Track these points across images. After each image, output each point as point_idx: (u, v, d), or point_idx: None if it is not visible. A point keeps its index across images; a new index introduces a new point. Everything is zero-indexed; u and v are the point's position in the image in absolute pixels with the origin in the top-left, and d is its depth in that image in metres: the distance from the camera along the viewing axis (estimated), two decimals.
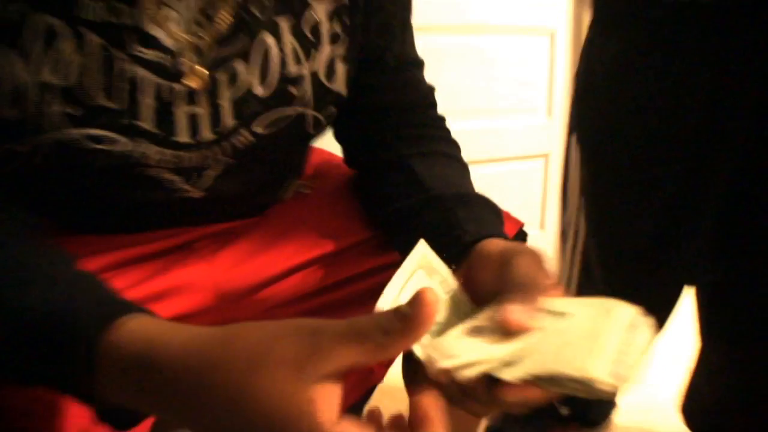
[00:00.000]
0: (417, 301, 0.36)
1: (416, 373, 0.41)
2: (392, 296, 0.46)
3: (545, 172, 2.08)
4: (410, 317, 0.36)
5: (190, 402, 0.38)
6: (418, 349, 0.42)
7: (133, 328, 0.41)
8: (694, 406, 1.08)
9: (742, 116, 0.82)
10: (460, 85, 1.79)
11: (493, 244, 0.52)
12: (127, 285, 0.61)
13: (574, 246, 1.03)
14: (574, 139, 0.99)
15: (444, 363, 0.40)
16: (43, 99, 0.49)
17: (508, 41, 1.89)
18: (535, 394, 0.41)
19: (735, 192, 0.86)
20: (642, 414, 1.31)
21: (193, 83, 0.53)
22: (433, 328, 0.43)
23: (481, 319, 0.46)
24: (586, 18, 1.95)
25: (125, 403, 0.41)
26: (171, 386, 0.38)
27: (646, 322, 0.44)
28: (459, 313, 0.49)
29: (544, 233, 2.12)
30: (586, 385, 0.39)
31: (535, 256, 0.48)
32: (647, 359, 0.41)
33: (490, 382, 0.42)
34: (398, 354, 0.38)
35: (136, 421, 0.43)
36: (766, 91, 0.79)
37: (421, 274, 0.49)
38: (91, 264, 0.60)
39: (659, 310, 0.97)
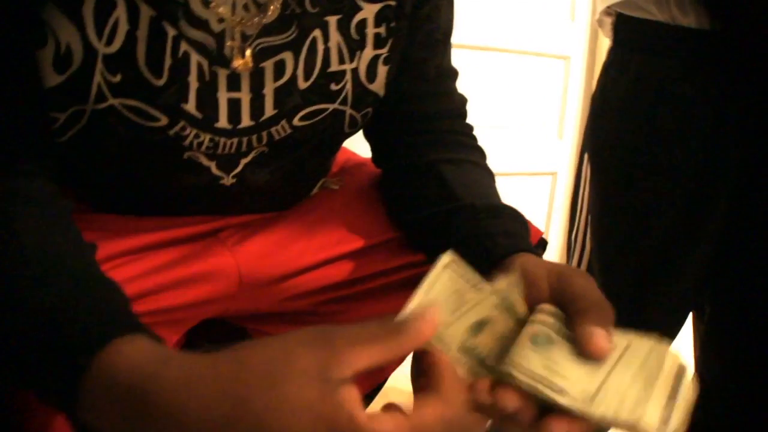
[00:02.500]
0: (426, 311, 0.40)
1: (424, 376, 0.41)
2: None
3: (552, 190, 2.10)
4: (419, 324, 0.39)
5: None
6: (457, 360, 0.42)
7: (125, 355, 0.38)
8: (689, 423, 1.08)
9: (747, 147, 0.84)
10: (477, 100, 1.81)
11: (531, 260, 0.53)
12: (150, 269, 0.61)
13: (579, 262, 1.04)
14: (586, 157, 1.01)
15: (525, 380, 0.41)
16: (87, 64, 0.49)
17: (525, 63, 1.92)
18: (580, 428, 0.41)
19: (736, 217, 0.87)
20: None
21: (240, 66, 0.53)
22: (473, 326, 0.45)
23: (539, 330, 0.46)
24: (601, 46, 1.99)
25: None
26: (167, 420, 0.36)
27: (688, 372, 0.44)
28: (508, 316, 0.48)
29: (547, 250, 2.13)
30: (635, 429, 0.40)
31: (591, 280, 0.48)
32: (689, 411, 0.42)
33: (540, 408, 0.42)
34: (408, 354, 0.40)
35: None
36: None
37: (447, 284, 0.48)
38: (116, 246, 0.59)
39: (660, 334, 0.98)
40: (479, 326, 0.46)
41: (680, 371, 0.43)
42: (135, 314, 0.44)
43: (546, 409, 0.42)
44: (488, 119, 1.88)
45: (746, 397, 0.92)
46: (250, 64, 0.54)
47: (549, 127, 2.04)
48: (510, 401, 0.42)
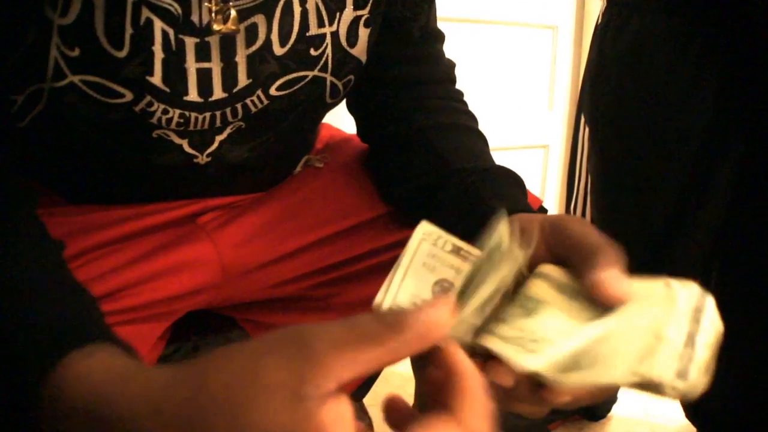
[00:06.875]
0: (438, 299, 0.32)
1: (440, 387, 0.35)
2: (395, 287, 0.40)
3: (545, 163, 2.09)
4: (429, 316, 0.31)
5: None
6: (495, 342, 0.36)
7: (79, 373, 0.34)
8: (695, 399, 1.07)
9: (752, 108, 0.82)
10: (463, 74, 1.79)
11: (523, 216, 0.48)
12: (126, 262, 0.58)
13: None
14: (583, 125, 0.98)
15: (530, 364, 0.35)
16: (41, 38, 0.45)
17: (512, 34, 1.90)
18: (587, 394, 0.37)
19: (743, 185, 0.86)
20: (642, 407, 1.30)
21: (224, 30, 0.49)
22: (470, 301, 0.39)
23: (529, 295, 0.40)
24: (588, 14, 1.97)
25: None
26: None
27: (709, 303, 0.38)
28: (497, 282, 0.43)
29: None
30: (653, 387, 0.35)
31: (589, 224, 0.43)
32: (715, 351, 0.36)
33: (535, 381, 0.38)
34: (413, 355, 0.32)
35: None
36: None
37: (425, 258, 0.42)
38: (88, 240, 0.57)
39: None
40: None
41: (699, 306, 0.37)
42: (98, 319, 0.40)
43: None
44: (476, 93, 1.85)
45: (751, 363, 0.91)
46: (234, 27, 0.49)
47: (539, 99, 2.02)
48: (505, 378, 0.38)
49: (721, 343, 0.37)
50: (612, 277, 0.38)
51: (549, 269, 0.42)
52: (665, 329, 0.36)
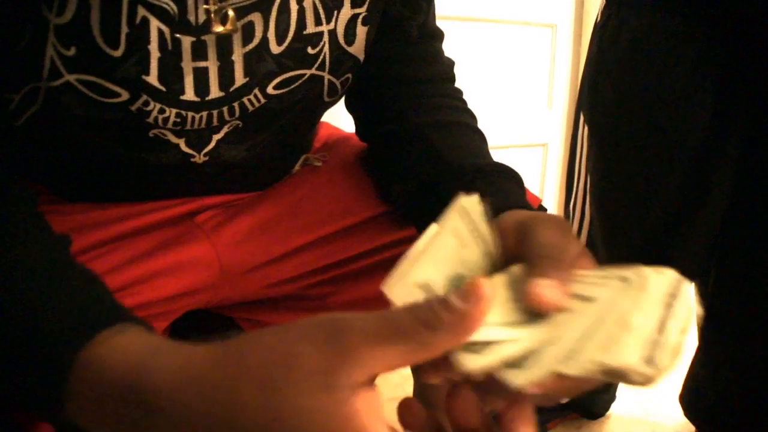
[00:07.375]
0: (472, 292, 0.30)
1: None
2: (404, 273, 0.39)
3: (544, 161, 2.09)
4: (463, 311, 0.30)
5: None
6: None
7: (115, 346, 0.35)
8: (693, 397, 1.07)
9: (752, 108, 0.82)
10: (462, 73, 1.79)
11: (511, 213, 0.47)
12: (123, 261, 0.58)
13: (578, 233, 1.02)
14: (582, 124, 0.98)
15: (471, 364, 0.34)
16: (37, 37, 0.45)
17: (511, 33, 1.90)
18: (562, 385, 0.36)
19: (743, 184, 0.85)
20: (641, 405, 1.30)
21: (223, 31, 0.49)
22: None
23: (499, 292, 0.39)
24: (588, 12, 1.96)
25: None
26: (162, 419, 0.32)
27: (685, 288, 0.37)
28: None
29: None
30: (618, 375, 0.34)
31: (560, 223, 0.42)
32: (687, 336, 0.35)
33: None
34: (443, 352, 0.32)
35: None
36: None
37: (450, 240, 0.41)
38: (86, 239, 0.57)
39: None
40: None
41: (673, 292, 0.36)
42: (121, 304, 0.41)
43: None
44: (475, 92, 1.85)
45: (750, 361, 0.91)
46: (232, 27, 0.49)
47: (538, 98, 2.02)
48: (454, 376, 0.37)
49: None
50: (544, 283, 0.37)
51: (516, 269, 0.41)
52: (630, 317, 0.35)
